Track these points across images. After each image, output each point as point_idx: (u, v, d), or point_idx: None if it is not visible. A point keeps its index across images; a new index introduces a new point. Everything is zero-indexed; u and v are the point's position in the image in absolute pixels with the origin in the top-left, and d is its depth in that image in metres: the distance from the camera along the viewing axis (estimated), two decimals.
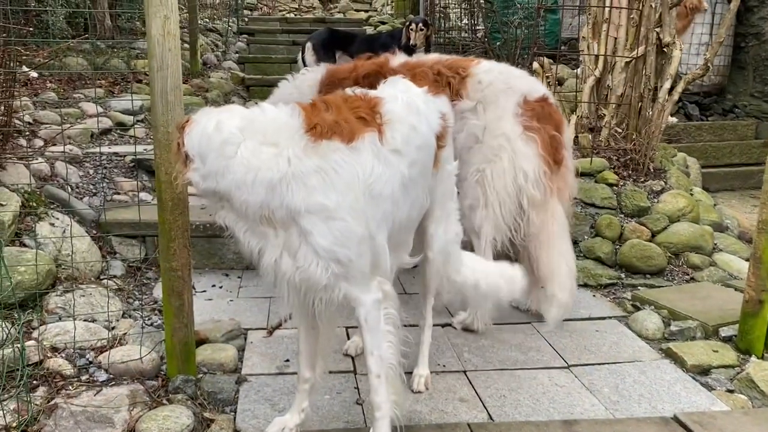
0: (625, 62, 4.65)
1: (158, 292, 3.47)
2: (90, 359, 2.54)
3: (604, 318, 3.37)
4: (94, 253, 3.52)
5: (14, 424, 2.15)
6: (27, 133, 4.46)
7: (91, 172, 4.41)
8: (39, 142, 4.38)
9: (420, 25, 6.41)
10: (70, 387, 2.38)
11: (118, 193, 4.27)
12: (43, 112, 4.98)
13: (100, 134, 5.17)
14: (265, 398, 2.51)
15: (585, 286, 3.77)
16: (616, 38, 4.81)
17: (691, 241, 3.97)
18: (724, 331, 3.05)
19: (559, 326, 3.20)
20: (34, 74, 5.88)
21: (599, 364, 2.89)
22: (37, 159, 4.10)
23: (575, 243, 4.05)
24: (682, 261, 3.95)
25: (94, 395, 2.33)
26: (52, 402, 2.27)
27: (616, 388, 2.68)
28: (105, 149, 4.67)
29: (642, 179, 4.49)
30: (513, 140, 3.02)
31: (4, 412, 2.17)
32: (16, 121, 4.49)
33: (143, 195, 4.31)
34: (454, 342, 3.07)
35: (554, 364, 2.88)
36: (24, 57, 6.26)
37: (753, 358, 2.85)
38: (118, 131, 5.45)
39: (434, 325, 3.12)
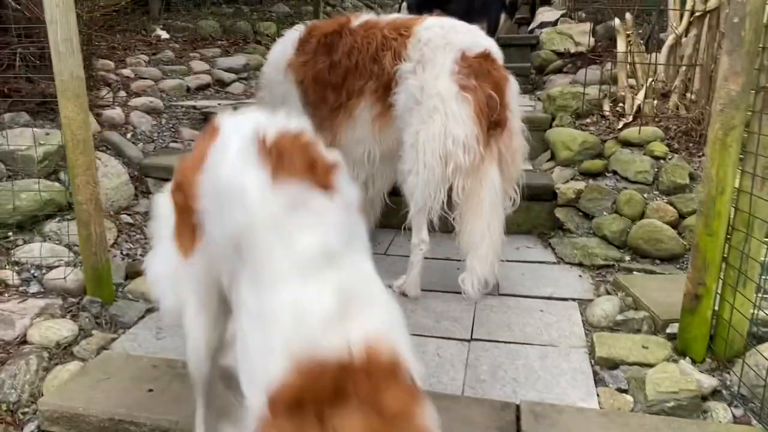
0: (697, 16, 4.02)
1: None
2: (35, 274, 3.00)
3: (565, 299, 3.09)
4: (123, 192, 4.03)
5: None
6: (119, 85, 5.14)
7: (164, 122, 4.98)
8: (122, 94, 5.03)
9: None
10: (6, 294, 2.85)
11: (176, 141, 4.78)
12: (148, 68, 5.68)
13: (196, 89, 5.76)
14: (158, 327, 2.78)
15: (580, 265, 3.45)
16: None
17: None
18: (672, 328, 2.64)
19: (502, 302, 3.05)
20: (165, 34, 6.66)
21: (507, 342, 2.69)
22: (113, 107, 4.74)
23: (590, 218, 3.71)
24: None
25: (18, 303, 2.78)
26: None
27: (496, 369, 2.50)
28: (181, 103, 5.22)
29: (700, 153, 3.90)
30: (447, 101, 2.88)
31: None
32: (112, 75, 5.21)
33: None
34: None
35: (457, 336, 2.74)
36: (166, 19, 7.12)
37: (683, 361, 2.44)
38: (216, 87, 6.01)
39: None
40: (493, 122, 2.91)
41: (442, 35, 2.98)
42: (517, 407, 2.20)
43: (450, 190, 2.95)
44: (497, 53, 3.02)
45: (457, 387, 2.39)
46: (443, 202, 2.96)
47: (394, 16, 3.36)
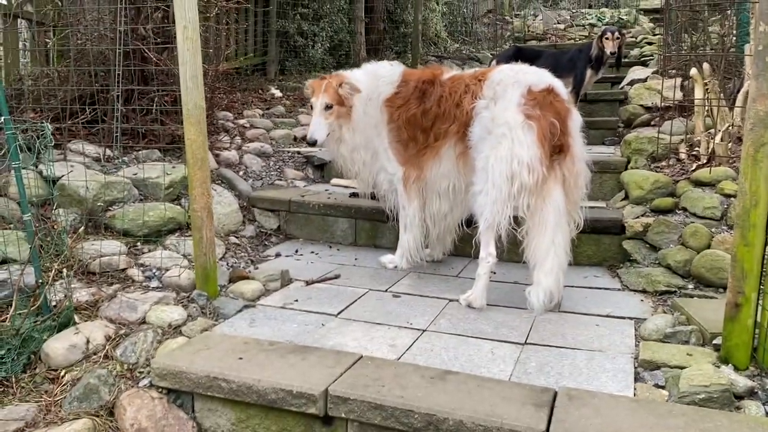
0: None
1: (267, 252, 4.44)
2: (155, 273, 3.56)
3: (623, 318, 3.27)
4: (233, 218, 4.62)
5: (88, 300, 3.24)
6: (236, 132, 5.86)
7: (272, 164, 5.62)
8: (238, 140, 5.74)
9: (616, 33, 6.49)
10: (132, 287, 3.42)
11: (280, 179, 5.38)
12: (261, 120, 6.42)
13: (301, 139, 6.41)
14: (252, 319, 3.23)
15: (643, 291, 3.62)
16: None
17: None
18: (719, 340, 2.77)
19: (561, 317, 3.28)
20: (278, 93, 7.45)
21: (558, 347, 2.92)
22: (229, 150, 5.44)
23: (657, 250, 3.87)
24: None
25: (141, 294, 3.33)
26: (116, 293, 3.33)
27: (543, 365, 2.74)
28: (288, 149, 5.87)
29: None
30: (514, 128, 3.23)
31: (87, 293, 3.29)
32: (230, 124, 5.95)
33: (297, 182, 5.36)
34: (445, 312, 3.36)
35: (512, 340, 3.00)
36: (280, 80, 7.94)
37: (724, 367, 2.58)
38: None
39: (442, 298, 3.51)
40: (556, 147, 3.23)
41: (512, 75, 3.39)
42: (555, 392, 2.43)
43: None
44: (561, 89, 3.36)
45: (505, 377, 2.65)
46: (510, 218, 3.27)
47: (477, 69, 3.81)
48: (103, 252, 3.59)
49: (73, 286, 3.23)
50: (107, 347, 2.88)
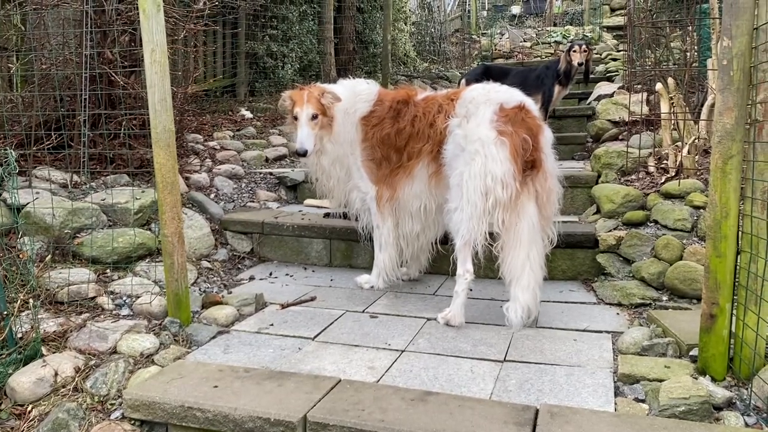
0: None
1: (241, 275, 4.37)
2: (126, 301, 3.48)
3: (600, 332, 3.27)
4: (205, 242, 4.54)
5: (56, 330, 3.14)
6: (206, 154, 5.80)
7: (243, 185, 5.56)
8: (209, 162, 5.67)
9: (584, 46, 6.59)
10: (102, 316, 3.33)
11: (252, 201, 5.32)
12: (232, 141, 6.36)
13: (273, 160, 6.37)
14: (226, 345, 3.16)
15: (618, 305, 3.64)
16: None
17: None
18: (696, 351, 2.79)
19: (538, 332, 3.27)
20: (249, 114, 7.40)
21: (537, 363, 2.91)
22: (200, 172, 5.37)
23: (630, 263, 3.90)
24: None
25: (111, 322, 3.24)
26: (85, 322, 3.23)
27: (523, 382, 2.72)
28: (260, 170, 5.82)
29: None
30: (487, 144, 3.24)
31: (55, 323, 3.19)
32: (200, 146, 5.88)
33: (270, 204, 5.31)
34: (423, 331, 3.33)
35: (491, 358, 2.98)
36: (250, 101, 7.90)
37: (702, 378, 2.59)
38: (291, 158, 6.61)
39: (420, 317, 3.48)
40: (528, 162, 3.25)
41: (484, 94, 3.41)
42: (536, 409, 2.41)
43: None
44: (532, 106, 3.40)
45: (486, 395, 2.62)
46: (486, 234, 3.26)
47: (450, 89, 3.84)
48: (71, 280, 3.50)
49: (40, 316, 3.13)
50: (77, 379, 2.79)
